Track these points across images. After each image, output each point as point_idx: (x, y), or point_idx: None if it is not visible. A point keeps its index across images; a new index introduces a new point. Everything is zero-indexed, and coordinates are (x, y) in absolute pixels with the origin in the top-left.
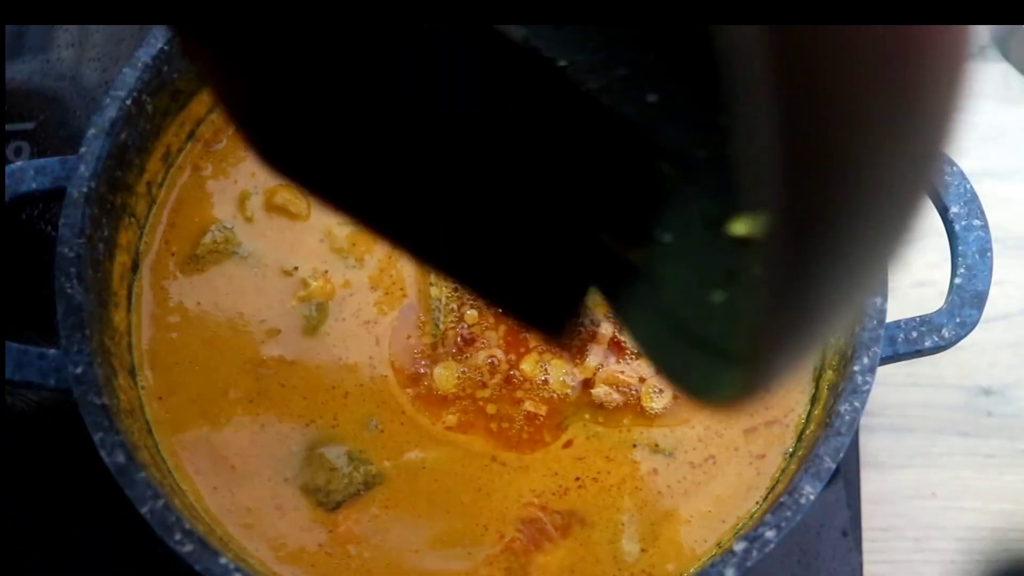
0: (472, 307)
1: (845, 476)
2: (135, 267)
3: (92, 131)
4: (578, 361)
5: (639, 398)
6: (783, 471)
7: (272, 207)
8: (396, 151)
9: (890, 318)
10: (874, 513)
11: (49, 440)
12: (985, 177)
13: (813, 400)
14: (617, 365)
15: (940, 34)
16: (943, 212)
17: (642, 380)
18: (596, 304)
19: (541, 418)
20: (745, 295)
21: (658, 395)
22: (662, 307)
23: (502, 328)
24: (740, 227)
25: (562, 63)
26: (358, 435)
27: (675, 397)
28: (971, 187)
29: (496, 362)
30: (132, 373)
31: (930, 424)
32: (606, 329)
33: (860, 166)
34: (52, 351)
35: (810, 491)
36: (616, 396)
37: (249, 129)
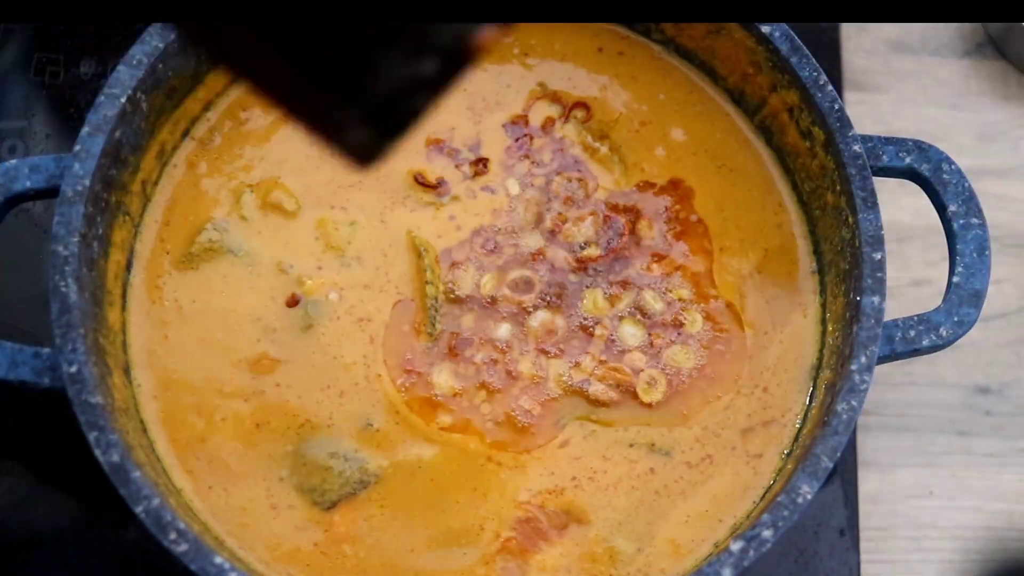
0: (469, 308)
1: (842, 475)
2: (129, 265)
3: (86, 129)
4: (574, 361)
5: (635, 392)
6: (780, 471)
7: (267, 205)
8: None
9: (888, 317)
10: (872, 512)
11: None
12: (984, 175)
13: (810, 399)
14: (611, 363)
15: None
16: (941, 210)
17: (636, 373)
18: (596, 305)
19: (537, 417)
20: None
21: (653, 387)
22: None
23: (500, 328)
24: None
25: None
26: (353, 434)
27: (670, 388)
28: (969, 185)
29: (492, 362)
30: (127, 372)
31: (928, 423)
32: (601, 329)
33: None
34: (46, 350)
35: (807, 490)
36: (612, 393)
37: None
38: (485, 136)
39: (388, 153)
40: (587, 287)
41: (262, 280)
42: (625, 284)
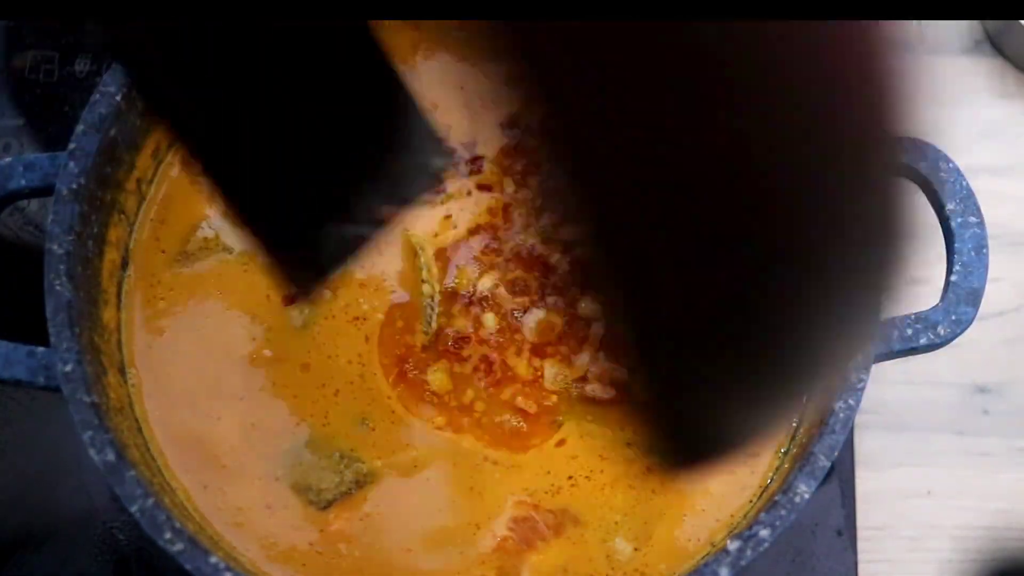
0: (465, 307)
1: (840, 474)
2: (125, 264)
3: (81, 127)
4: (570, 360)
5: (632, 391)
6: (777, 470)
7: None
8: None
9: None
10: (869, 512)
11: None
12: (981, 173)
13: (808, 398)
14: (608, 362)
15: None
16: (939, 209)
17: (633, 372)
18: (591, 308)
19: (533, 416)
20: None
21: None
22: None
23: (496, 327)
24: None
25: None
26: (349, 433)
27: None
28: (967, 183)
29: (489, 361)
30: (122, 371)
31: (925, 422)
32: (597, 328)
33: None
34: (41, 349)
35: (805, 490)
36: (609, 391)
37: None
38: (482, 135)
39: (317, 287)
40: (584, 286)
41: (258, 278)
42: None
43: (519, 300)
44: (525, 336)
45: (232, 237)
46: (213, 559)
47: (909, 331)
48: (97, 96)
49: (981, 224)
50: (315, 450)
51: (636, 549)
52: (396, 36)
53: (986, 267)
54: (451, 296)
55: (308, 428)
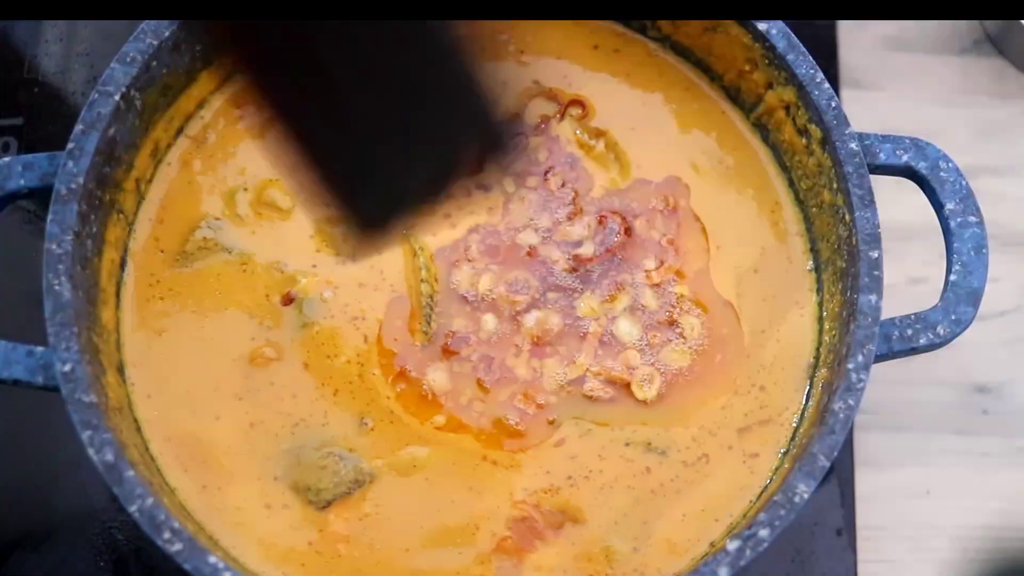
0: (464, 306)
1: (839, 474)
2: (123, 264)
3: (80, 127)
4: (570, 359)
5: (630, 390)
6: (777, 470)
7: (261, 203)
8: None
9: (885, 315)
10: (869, 511)
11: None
12: (981, 173)
13: (808, 398)
14: (606, 361)
15: None
16: (939, 208)
17: (631, 370)
18: (591, 304)
19: (532, 416)
20: None
21: (648, 384)
22: None
23: (495, 327)
24: None
25: None
26: (348, 433)
27: (665, 386)
28: (967, 183)
29: (488, 360)
30: (120, 370)
31: (925, 422)
32: (596, 328)
33: None
34: (40, 348)
35: (804, 490)
36: (608, 390)
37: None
38: None
39: (372, 249)
40: (583, 286)
41: (256, 278)
42: (621, 282)
43: (519, 300)
44: (524, 335)
45: (231, 237)
46: (212, 559)
47: (909, 331)
48: (96, 96)
49: (981, 224)
50: (314, 450)
51: (635, 549)
52: None
53: (986, 267)
54: (450, 296)
55: (307, 428)
